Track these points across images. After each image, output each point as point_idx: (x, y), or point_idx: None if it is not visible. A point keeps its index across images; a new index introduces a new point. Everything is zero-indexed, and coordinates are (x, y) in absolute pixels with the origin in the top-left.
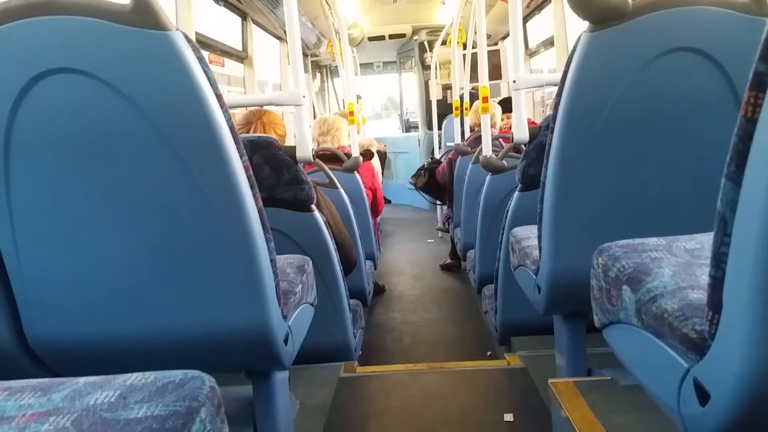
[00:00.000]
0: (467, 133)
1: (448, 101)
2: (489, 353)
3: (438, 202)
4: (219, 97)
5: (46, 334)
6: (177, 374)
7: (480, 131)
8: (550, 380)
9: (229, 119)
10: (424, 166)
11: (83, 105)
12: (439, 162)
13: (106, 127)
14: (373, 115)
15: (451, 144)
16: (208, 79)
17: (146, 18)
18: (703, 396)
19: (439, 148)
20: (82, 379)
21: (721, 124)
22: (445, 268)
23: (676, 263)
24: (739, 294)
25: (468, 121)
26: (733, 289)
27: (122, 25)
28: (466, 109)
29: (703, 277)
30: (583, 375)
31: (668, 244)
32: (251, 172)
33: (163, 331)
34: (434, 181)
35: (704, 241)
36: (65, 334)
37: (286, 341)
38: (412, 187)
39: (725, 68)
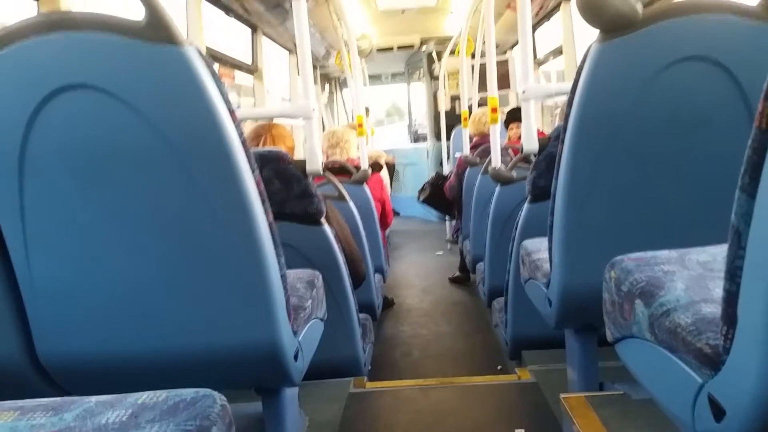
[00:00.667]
0: None
1: (457, 112)
2: (499, 367)
3: (447, 217)
4: (231, 111)
5: (57, 353)
6: (188, 393)
7: (480, 141)
8: (561, 395)
9: (241, 134)
10: (428, 181)
11: (97, 120)
12: (444, 177)
13: (119, 142)
14: (374, 122)
15: (459, 154)
16: (221, 93)
17: (159, 33)
18: (718, 412)
19: (448, 159)
20: (93, 398)
21: (733, 133)
22: (454, 280)
23: (689, 276)
24: (754, 308)
25: None
26: (748, 303)
27: (136, 40)
28: None
29: (717, 290)
30: (595, 389)
31: (680, 256)
32: (262, 186)
33: (173, 347)
34: (439, 196)
35: (716, 253)
36: (77, 352)
37: (296, 357)
38: (418, 200)
39: (737, 77)
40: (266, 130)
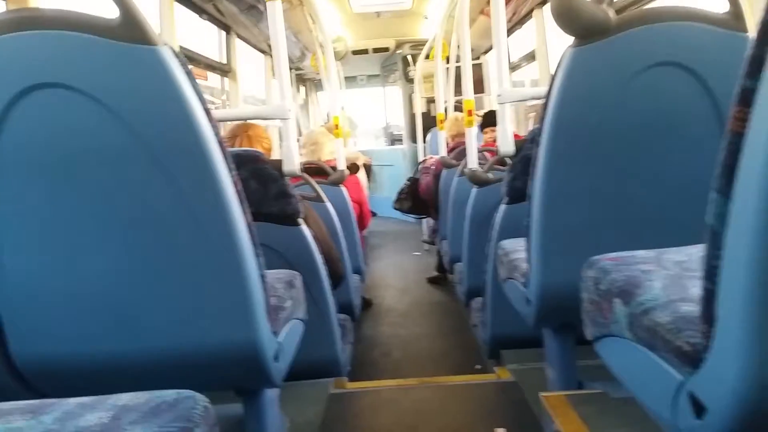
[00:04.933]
0: None
1: (432, 114)
2: (478, 367)
3: (423, 216)
4: (207, 111)
5: (32, 355)
6: (170, 394)
7: (460, 143)
8: (541, 394)
9: (217, 133)
10: (404, 189)
11: (70, 120)
12: (416, 180)
13: (93, 142)
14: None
15: (434, 157)
16: (196, 93)
17: (133, 32)
18: (698, 409)
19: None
20: (73, 401)
21: (704, 136)
22: (432, 281)
23: (667, 276)
24: (732, 307)
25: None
26: (727, 302)
27: (109, 39)
28: None
29: (694, 289)
30: (574, 388)
31: (657, 256)
32: (240, 186)
33: (151, 349)
34: (417, 199)
35: (692, 253)
36: (52, 355)
37: (276, 358)
38: (398, 210)
39: (707, 82)
40: (242, 130)
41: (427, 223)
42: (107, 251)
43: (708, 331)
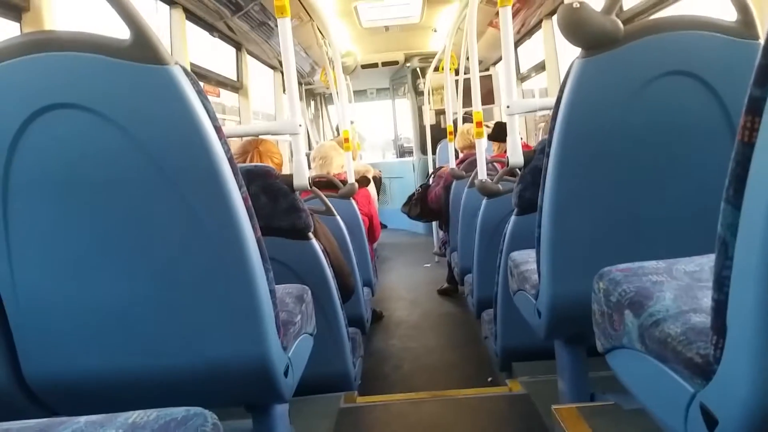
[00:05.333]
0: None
1: (442, 126)
2: (490, 379)
3: (436, 224)
4: (218, 129)
5: (44, 373)
6: (179, 411)
7: (470, 154)
8: (553, 406)
9: (228, 151)
10: (414, 194)
11: (82, 140)
12: (427, 186)
13: (105, 161)
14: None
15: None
16: (207, 112)
17: (145, 53)
18: (710, 421)
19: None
20: (83, 419)
21: (715, 145)
22: (442, 292)
23: (677, 286)
24: (743, 317)
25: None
26: (737, 313)
27: (121, 60)
28: None
29: (705, 300)
30: (586, 400)
31: (668, 267)
32: (250, 202)
33: (162, 365)
34: (426, 206)
35: (703, 263)
36: (64, 373)
37: (286, 373)
38: (405, 213)
39: (717, 90)
40: (253, 146)
41: (437, 234)
42: (117, 268)
43: (719, 342)
